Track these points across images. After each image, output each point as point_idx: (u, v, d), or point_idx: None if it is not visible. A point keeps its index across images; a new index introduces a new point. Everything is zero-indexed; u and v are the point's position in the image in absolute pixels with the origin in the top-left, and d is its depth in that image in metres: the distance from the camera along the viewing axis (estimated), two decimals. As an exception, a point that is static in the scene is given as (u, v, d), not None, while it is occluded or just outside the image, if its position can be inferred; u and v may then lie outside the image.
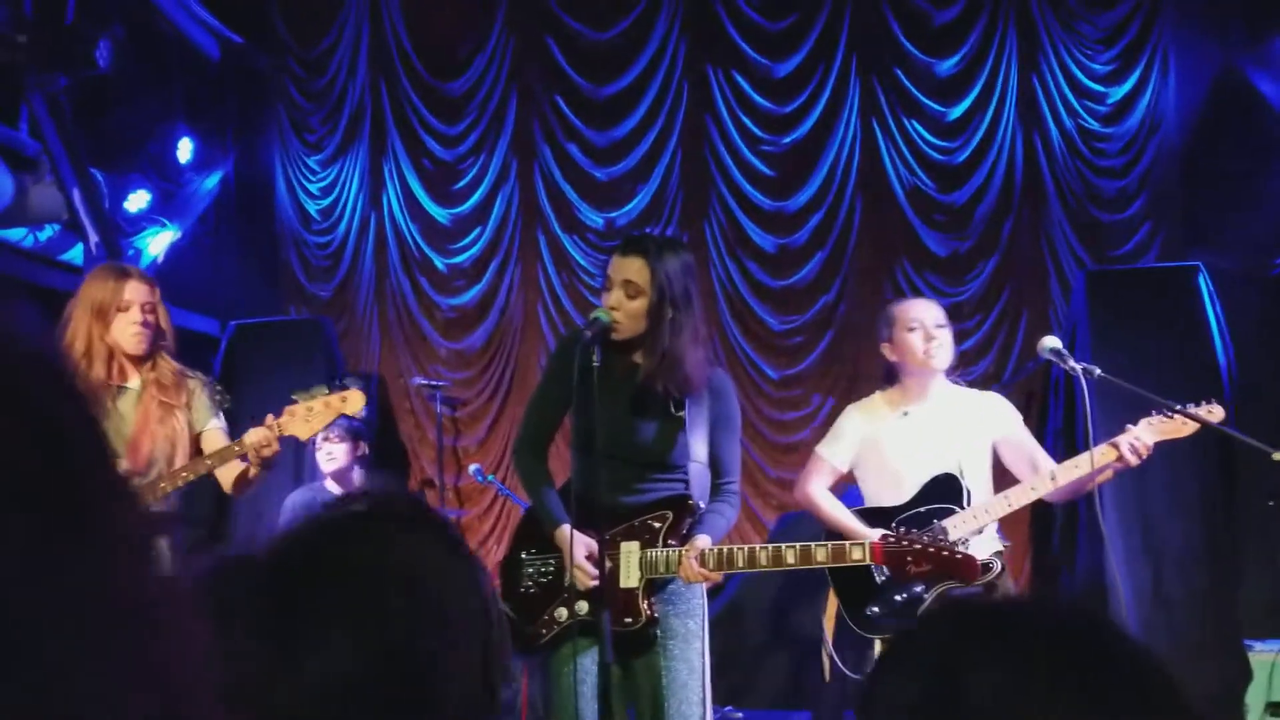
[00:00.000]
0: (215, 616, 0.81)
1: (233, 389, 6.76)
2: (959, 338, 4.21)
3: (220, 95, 7.34)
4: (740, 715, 5.38)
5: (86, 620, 0.54)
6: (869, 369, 6.60)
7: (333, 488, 5.92)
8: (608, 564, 3.26)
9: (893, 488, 3.98)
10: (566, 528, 3.34)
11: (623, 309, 3.39)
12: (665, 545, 3.37)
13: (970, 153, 6.81)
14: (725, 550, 3.37)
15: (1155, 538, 5.65)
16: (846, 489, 4.36)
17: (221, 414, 3.92)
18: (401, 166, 7.52)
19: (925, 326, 4.00)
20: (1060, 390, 6.17)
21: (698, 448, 3.46)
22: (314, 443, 5.96)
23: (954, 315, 4.71)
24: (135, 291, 3.79)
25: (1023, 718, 0.80)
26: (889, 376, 4.16)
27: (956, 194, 6.82)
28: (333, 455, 5.84)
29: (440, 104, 7.47)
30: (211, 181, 7.31)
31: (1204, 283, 5.89)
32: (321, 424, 3.66)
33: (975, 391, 4.22)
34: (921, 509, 3.88)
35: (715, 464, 3.52)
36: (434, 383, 6.97)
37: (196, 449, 3.84)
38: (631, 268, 3.40)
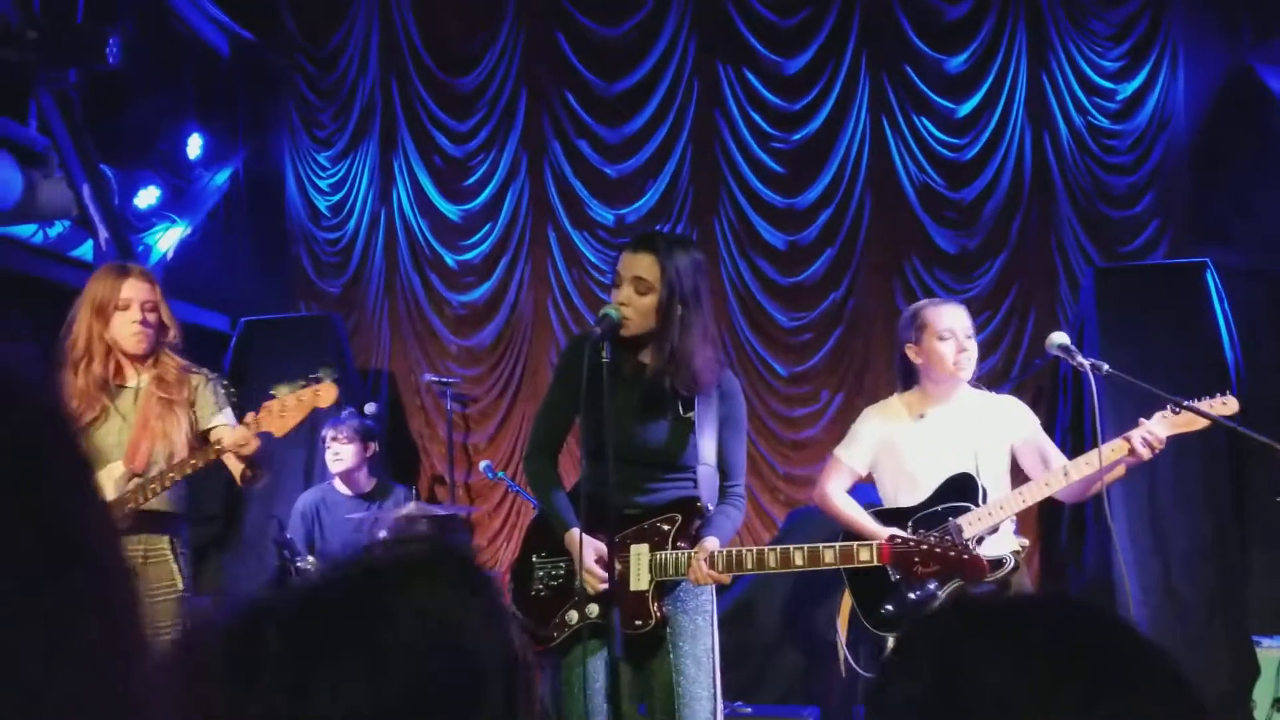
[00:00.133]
0: (241, 662, 0.82)
1: (243, 385, 6.77)
2: (969, 338, 4.18)
3: (230, 92, 7.35)
4: (749, 711, 5.39)
5: (58, 646, 0.56)
6: (878, 365, 6.63)
7: (341, 488, 5.93)
8: (618, 566, 3.28)
9: (909, 489, 3.99)
10: (576, 531, 3.35)
11: (632, 305, 3.40)
12: (675, 548, 3.39)
13: (979, 149, 6.80)
14: (734, 552, 3.38)
15: (1163, 534, 5.65)
16: (866, 489, 4.37)
17: (229, 410, 3.91)
18: (412, 163, 7.52)
19: (958, 337, 3.99)
20: (1069, 387, 6.17)
21: (706, 449, 3.48)
22: (323, 443, 5.97)
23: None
24: (134, 290, 3.80)
25: (1027, 713, 0.81)
26: (907, 376, 4.14)
27: (966, 190, 6.82)
28: (339, 456, 5.84)
29: (450, 100, 7.48)
30: (221, 178, 7.33)
31: (1212, 279, 5.89)
32: (296, 419, 3.65)
33: (993, 394, 4.22)
34: (937, 508, 3.89)
35: (722, 466, 3.53)
36: (444, 379, 6.98)
37: (204, 445, 3.85)
38: (642, 264, 3.41)
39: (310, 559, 5.35)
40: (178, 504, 3.82)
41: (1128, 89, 6.65)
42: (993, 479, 3.94)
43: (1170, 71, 6.57)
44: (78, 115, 5.88)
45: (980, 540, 3.83)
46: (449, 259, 7.48)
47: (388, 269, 7.57)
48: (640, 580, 3.38)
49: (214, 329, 7.25)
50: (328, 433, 5.93)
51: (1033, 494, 3.92)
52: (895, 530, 3.84)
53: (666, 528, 3.41)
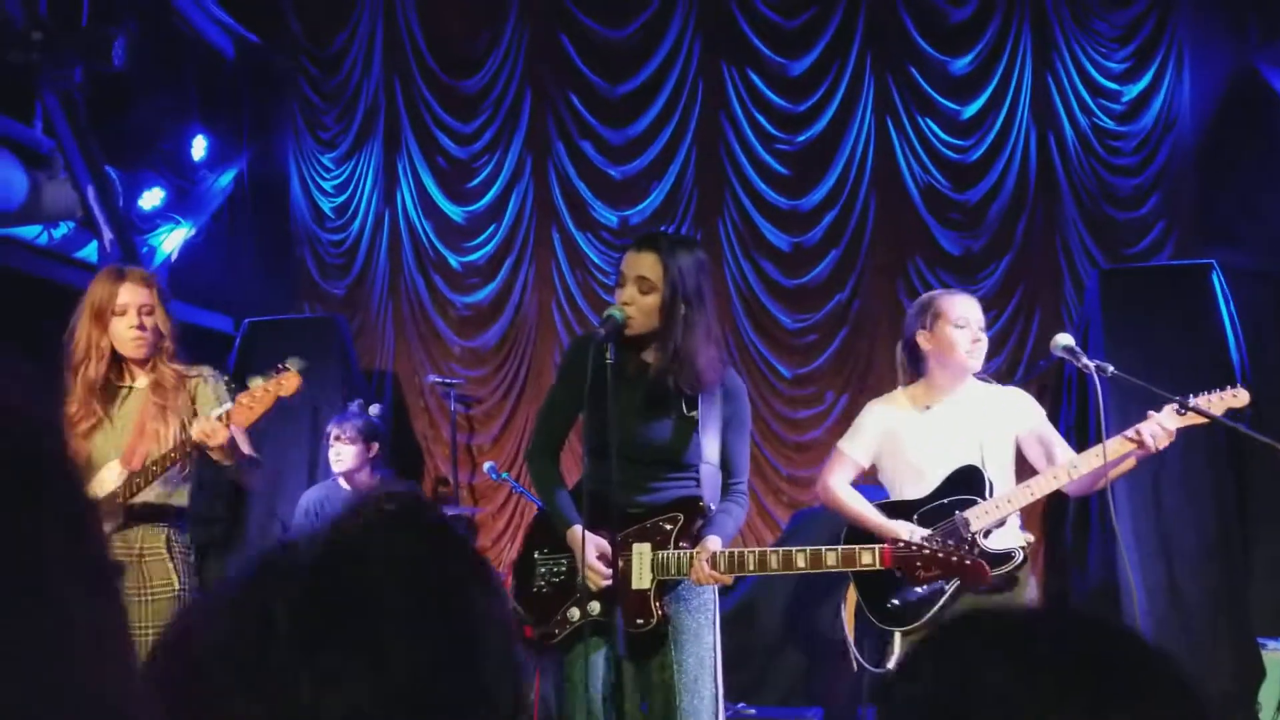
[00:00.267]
0: (254, 627, 0.82)
1: (247, 387, 6.81)
2: (983, 329, 4.16)
3: (235, 93, 7.36)
4: (753, 712, 5.38)
5: (36, 651, 0.56)
6: (882, 367, 6.61)
7: (345, 485, 5.93)
8: (620, 564, 3.28)
9: (914, 482, 3.95)
10: (579, 528, 3.36)
11: (635, 304, 3.40)
12: (677, 547, 3.39)
13: (984, 151, 6.80)
14: (736, 553, 3.38)
15: (1168, 535, 5.64)
16: (875, 488, 4.34)
17: (228, 405, 3.92)
18: (416, 164, 7.53)
19: (972, 326, 3.96)
20: (1073, 388, 6.16)
21: (710, 449, 3.48)
22: (327, 440, 5.98)
23: (968, 313, 4.69)
24: (130, 294, 3.81)
25: (1035, 716, 0.82)
26: (913, 368, 4.09)
27: (970, 192, 6.81)
28: (340, 456, 5.84)
29: (454, 101, 7.49)
30: (226, 179, 7.34)
31: (1218, 281, 5.88)
32: (263, 409, 3.66)
33: (998, 386, 4.17)
34: (943, 500, 3.86)
35: (725, 464, 3.54)
36: (448, 380, 6.98)
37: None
38: (645, 263, 3.41)
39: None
40: (172, 497, 3.81)
41: (1133, 90, 6.64)
42: (998, 471, 3.92)
43: (1176, 73, 6.56)
44: (82, 117, 5.89)
45: (988, 534, 3.81)
46: (453, 260, 7.48)
47: (392, 270, 7.57)
48: (642, 579, 3.38)
49: (218, 330, 7.26)
50: (332, 430, 5.94)
51: (1041, 487, 3.88)
52: (901, 523, 3.82)
53: (669, 527, 3.41)
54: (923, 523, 3.84)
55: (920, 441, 3.97)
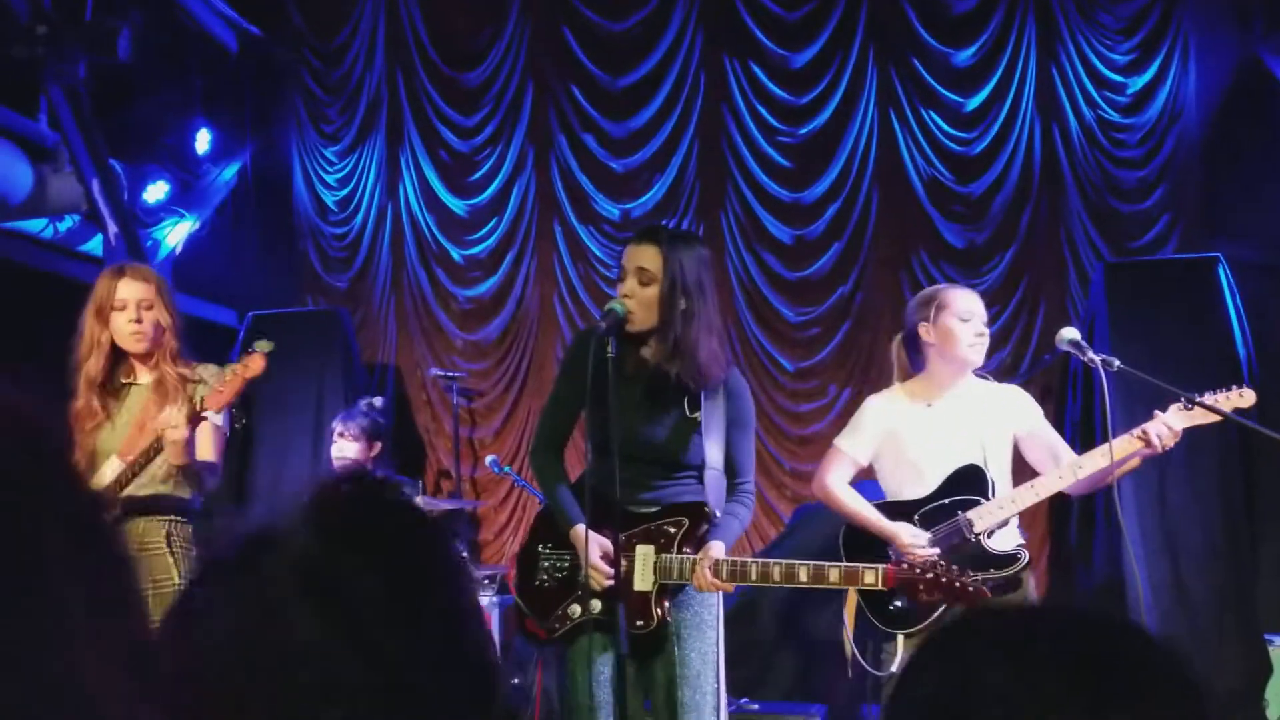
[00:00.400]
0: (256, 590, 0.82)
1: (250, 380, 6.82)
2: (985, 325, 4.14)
3: (238, 87, 7.37)
4: (756, 707, 5.38)
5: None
6: (885, 360, 6.59)
7: (346, 482, 5.93)
8: (623, 563, 3.27)
9: (914, 481, 3.89)
10: (582, 527, 3.36)
11: (636, 297, 3.39)
12: (680, 552, 3.39)
13: (988, 143, 6.78)
14: (739, 563, 3.38)
15: (1173, 531, 5.62)
16: (872, 487, 4.31)
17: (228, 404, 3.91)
18: (418, 157, 7.53)
19: (976, 320, 3.90)
20: (1078, 382, 6.15)
21: (713, 453, 3.47)
22: (330, 435, 5.98)
23: (971, 307, 4.67)
24: (129, 289, 3.84)
25: (1036, 716, 0.82)
26: (912, 361, 4.03)
27: (974, 185, 6.79)
28: (343, 452, 5.84)
29: (457, 95, 7.48)
30: (229, 173, 7.35)
31: (1224, 274, 5.86)
32: (232, 393, 3.67)
33: (996, 384, 4.11)
34: (945, 501, 3.81)
35: (730, 464, 3.53)
36: (450, 374, 6.98)
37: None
38: (645, 255, 3.41)
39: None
40: (170, 489, 3.79)
41: (1138, 82, 6.61)
42: (999, 471, 3.88)
43: (1181, 64, 6.53)
44: (87, 110, 5.89)
45: (991, 534, 3.79)
46: (455, 254, 7.48)
47: (394, 264, 7.57)
48: (644, 581, 3.38)
49: (222, 323, 7.27)
50: (336, 426, 5.94)
51: (1046, 487, 3.85)
52: (903, 525, 3.80)
53: (673, 530, 3.41)
54: (924, 523, 3.80)
55: (921, 439, 3.91)
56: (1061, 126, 6.71)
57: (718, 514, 3.46)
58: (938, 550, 3.71)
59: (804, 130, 7.01)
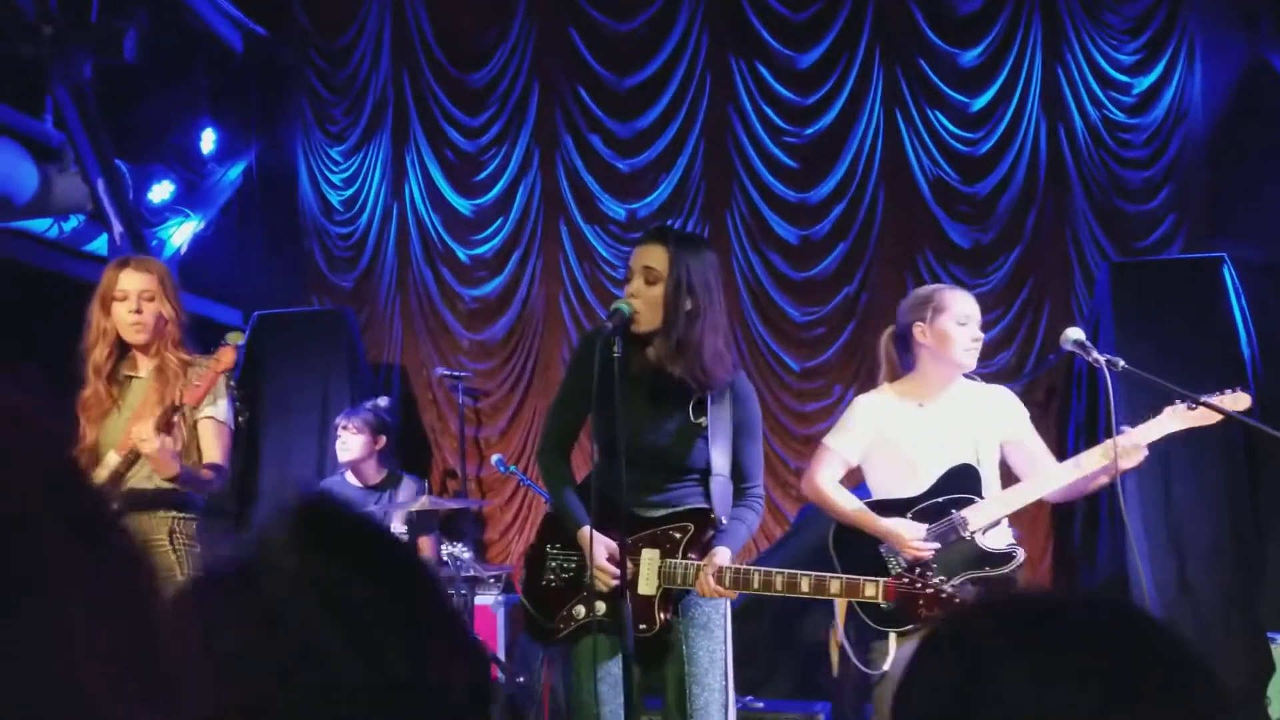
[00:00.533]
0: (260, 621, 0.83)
1: (255, 380, 6.84)
2: (981, 329, 4.13)
3: (244, 87, 7.37)
4: (761, 705, 5.38)
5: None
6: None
7: (351, 479, 5.94)
8: (628, 566, 3.28)
9: (907, 479, 3.86)
10: (587, 529, 3.35)
11: (641, 296, 3.39)
12: (685, 557, 3.39)
13: (994, 143, 6.77)
14: (742, 571, 3.39)
15: (1178, 529, 5.62)
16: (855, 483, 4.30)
17: (225, 402, 3.91)
18: (424, 157, 7.53)
19: (973, 324, 3.88)
20: (1083, 383, 6.14)
21: (719, 459, 3.46)
22: (334, 431, 5.99)
23: (976, 306, 4.67)
24: (130, 280, 3.86)
25: (1051, 704, 0.82)
26: (903, 361, 4.01)
27: (980, 185, 6.79)
28: (347, 445, 5.85)
29: (462, 95, 7.49)
30: (235, 172, 7.36)
31: (1229, 274, 5.86)
32: (207, 386, 3.73)
33: (984, 385, 4.09)
34: (939, 499, 3.80)
35: (738, 469, 3.52)
36: (456, 373, 6.99)
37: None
38: (652, 254, 3.41)
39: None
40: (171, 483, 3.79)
41: (1144, 82, 6.60)
42: (989, 471, 3.88)
43: (1187, 65, 6.52)
44: (92, 110, 5.91)
45: (985, 532, 3.79)
46: (461, 253, 7.49)
47: (400, 263, 7.58)
48: (648, 585, 3.39)
49: (227, 323, 7.28)
50: (340, 421, 5.96)
51: (1045, 485, 3.86)
52: (899, 521, 3.78)
53: (678, 535, 3.42)
54: (917, 521, 3.79)
55: (914, 438, 3.89)
56: (1067, 127, 6.70)
57: (724, 520, 3.46)
58: (936, 545, 3.72)
59: (809, 130, 7.01)
